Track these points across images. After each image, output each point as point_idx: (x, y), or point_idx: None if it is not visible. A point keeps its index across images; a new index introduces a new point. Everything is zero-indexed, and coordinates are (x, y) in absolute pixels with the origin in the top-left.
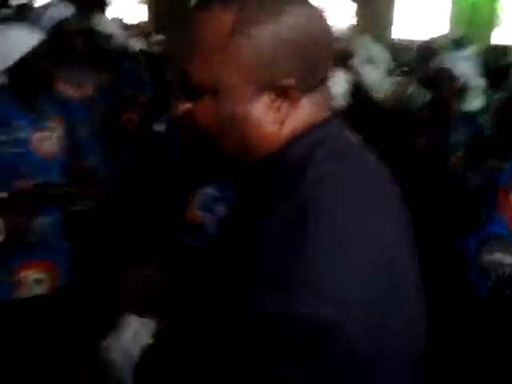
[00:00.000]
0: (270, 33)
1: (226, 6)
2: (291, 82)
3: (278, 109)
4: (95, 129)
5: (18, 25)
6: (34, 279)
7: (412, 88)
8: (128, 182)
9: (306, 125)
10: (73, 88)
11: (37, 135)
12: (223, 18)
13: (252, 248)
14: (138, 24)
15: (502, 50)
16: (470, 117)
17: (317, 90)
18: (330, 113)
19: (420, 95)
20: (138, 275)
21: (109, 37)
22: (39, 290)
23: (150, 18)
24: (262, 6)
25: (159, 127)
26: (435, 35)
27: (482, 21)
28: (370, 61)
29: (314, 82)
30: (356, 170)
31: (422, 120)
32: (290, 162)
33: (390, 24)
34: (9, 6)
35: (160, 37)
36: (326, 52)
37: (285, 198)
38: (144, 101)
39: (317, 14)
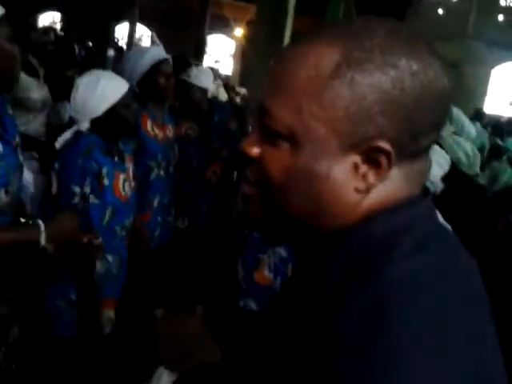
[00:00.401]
0: (377, 83)
1: (333, 41)
2: (386, 146)
3: (364, 176)
4: (170, 172)
5: (108, 75)
6: (107, 317)
7: (504, 167)
8: (196, 231)
9: (393, 200)
10: (157, 128)
11: (118, 179)
12: (327, 55)
13: (319, 342)
14: (226, 76)
15: None
16: None
17: (415, 161)
18: (419, 190)
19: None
20: (180, 324)
21: (201, 88)
22: (109, 327)
23: (235, 71)
24: (377, 50)
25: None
26: None
27: None
28: (462, 134)
29: (415, 150)
30: (443, 265)
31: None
32: (368, 243)
33: (484, 97)
34: (118, 49)
35: (244, 90)
36: (438, 117)
37: (359, 285)
38: (227, 154)
39: (439, 71)
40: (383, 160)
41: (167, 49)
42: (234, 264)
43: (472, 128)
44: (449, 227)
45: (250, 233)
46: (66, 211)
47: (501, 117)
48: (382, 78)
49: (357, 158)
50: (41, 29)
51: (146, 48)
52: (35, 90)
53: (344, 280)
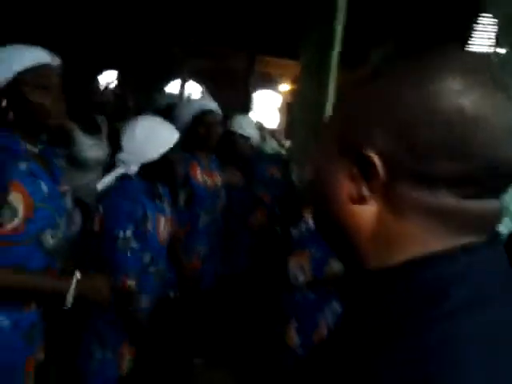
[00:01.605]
0: (379, 87)
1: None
2: (373, 156)
3: (357, 186)
4: (216, 219)
5: (162, 121)
6: (129, 357)
7: None
8: (237, 277)
9: (440, 246)
10: (206, 175)
11: (160, 222)
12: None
13: None
14: (273, 129)
15: None
16: None
17: (459, 199)
18: (480, 236)
19: None
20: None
21: (247, 138)
22: (130, 366)
23: (281, 124)
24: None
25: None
26: None
27: None
28: None
29: (426, 175)
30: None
31: None
32: (414, 292)
33: None
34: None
35: (289, 142)
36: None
37: (402, 342)
38: (269, 200)
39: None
40: (375, 173)
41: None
42: (280, 331)
43: None
44: None
45: (305, 295)
46: (100, 274)
47: None
48: (393, 81)
49: (351, 165)
50: (100, 88)
51: (192, 100)
52: (90, 149)
53: (386, 333)
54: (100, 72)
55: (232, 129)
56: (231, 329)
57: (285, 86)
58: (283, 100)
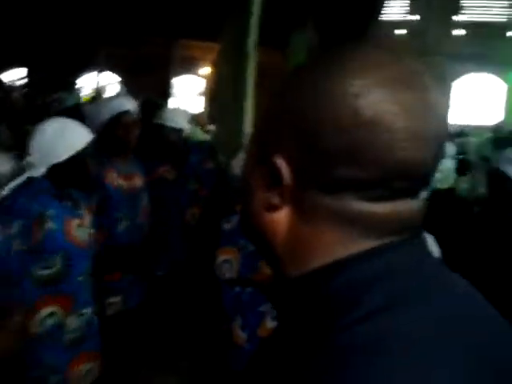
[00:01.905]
0: (287, 93)
1: None
2: (280, 162)
3: (269, 192)
4: (138, 223)
5: (73, 123)
6: (86, 370)
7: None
8: (176, 279)
9: (354, 249)
10: (122, 179)
11: (70, 224)
12: None
13: None
14: (197, 115)
15: None
16: None
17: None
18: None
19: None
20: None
21: (176, 129)
22: (89, 380)
23: (204, 109)
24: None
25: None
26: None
27: None
28: None
29: (329, 181)
30: (430, 325)
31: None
32: (328, 298)
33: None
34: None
35: (212, 127)
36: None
37: (317, 348)
38: (205, 194)
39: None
40: (281, 177)
41: (136, 94)
42: (224, 329)
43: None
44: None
45: (243, 290)
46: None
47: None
48: (301, 85)
49: (265, 173)
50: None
51: (108, 100)
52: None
53: (303, 339)
54: (4, 70)
55: (162, 122)
56: (176, 332)
57: (206, 70)
58: (206, 84)
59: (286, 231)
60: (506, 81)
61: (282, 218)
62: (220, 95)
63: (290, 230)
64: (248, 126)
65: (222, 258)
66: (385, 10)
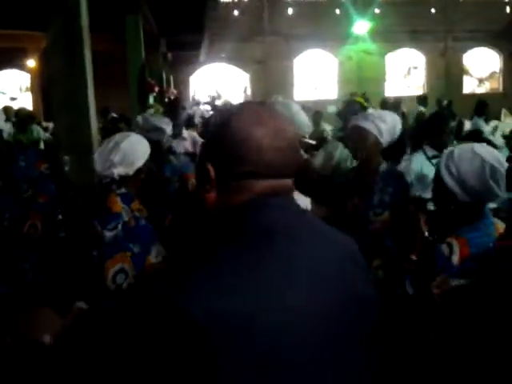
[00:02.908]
0: (221, 124)
1: None
2: (210, 166)
3: (208, 182)
4: None
5: None
6: None
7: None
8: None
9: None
10: None
11: None
12: None
13: None
14: (29, 112)
15: (396, 102)
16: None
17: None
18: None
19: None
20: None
21: None
22: None
23: (37, 106)
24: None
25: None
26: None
27: (370, 78)
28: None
29: (233, 173)
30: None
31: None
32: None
33: (292, 86)
34: None
35: (51, 124)
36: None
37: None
38: (45, 200)
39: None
40: (210, 175)
41: None
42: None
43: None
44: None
45: None
46: None
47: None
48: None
49: (204, 171)
50: None
51: None
52: None
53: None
54: None
55: None
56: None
57: (32, 62)
58: (33, 78)
59: (214, 202)
60: (336, 56)
61: (212, 196)
62: (54, 89)
63: (216, 200)
64: (92, 120)
65: (113, 268)
66: None
